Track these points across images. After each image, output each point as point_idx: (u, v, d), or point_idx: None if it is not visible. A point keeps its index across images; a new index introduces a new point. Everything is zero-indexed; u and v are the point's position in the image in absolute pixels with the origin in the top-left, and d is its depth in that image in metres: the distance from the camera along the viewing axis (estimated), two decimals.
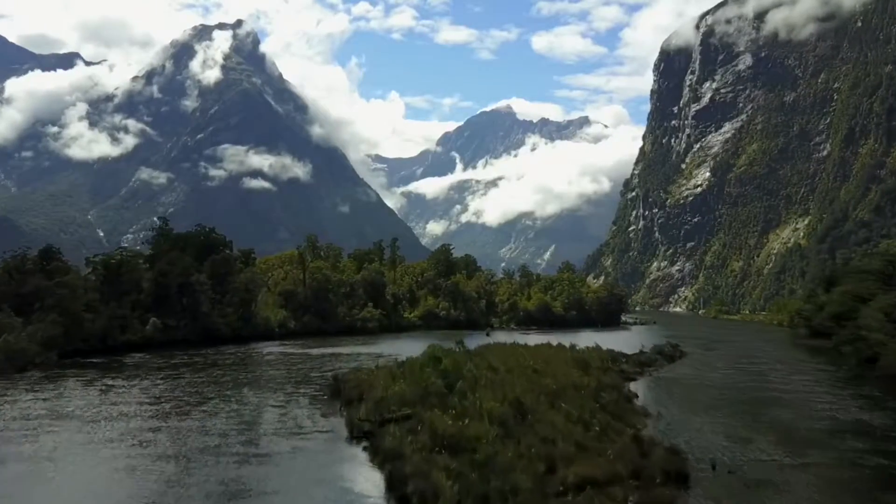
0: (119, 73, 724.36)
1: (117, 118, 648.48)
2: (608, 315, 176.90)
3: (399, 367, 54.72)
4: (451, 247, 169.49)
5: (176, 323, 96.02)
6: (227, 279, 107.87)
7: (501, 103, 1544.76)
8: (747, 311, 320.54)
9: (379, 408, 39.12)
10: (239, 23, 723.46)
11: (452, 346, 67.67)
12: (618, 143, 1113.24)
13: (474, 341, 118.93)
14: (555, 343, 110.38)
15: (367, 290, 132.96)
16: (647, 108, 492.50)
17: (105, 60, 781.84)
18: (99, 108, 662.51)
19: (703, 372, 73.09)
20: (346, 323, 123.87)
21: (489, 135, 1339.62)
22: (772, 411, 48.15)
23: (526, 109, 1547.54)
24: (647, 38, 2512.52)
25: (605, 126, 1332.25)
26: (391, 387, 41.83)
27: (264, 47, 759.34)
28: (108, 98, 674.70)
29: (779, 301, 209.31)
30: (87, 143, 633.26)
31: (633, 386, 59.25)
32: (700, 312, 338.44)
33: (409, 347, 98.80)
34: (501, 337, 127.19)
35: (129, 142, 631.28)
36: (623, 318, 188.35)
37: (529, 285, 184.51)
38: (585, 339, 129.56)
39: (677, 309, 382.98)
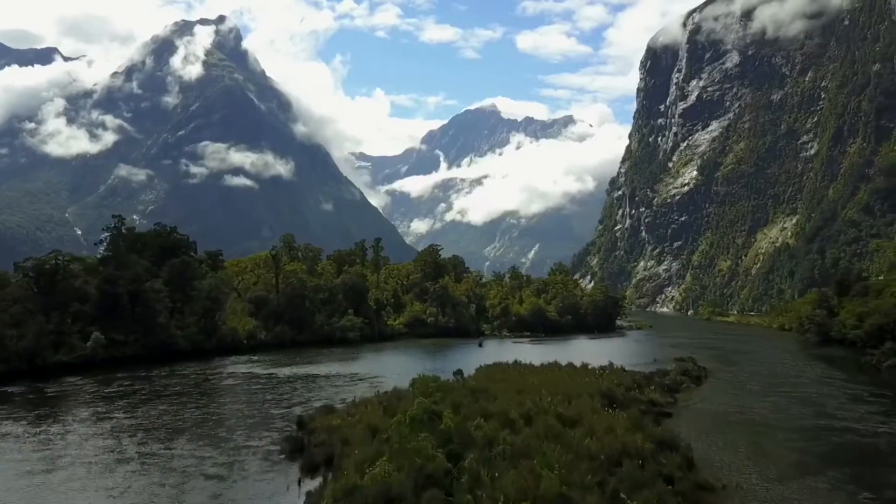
0: (98, 68, 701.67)
1: (96, 114, 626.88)
2: (604, 319, 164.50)
3: (383, 410, 41.46)
4: (439, 247, 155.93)
5: (125, 338, 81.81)
6: (187, 286, 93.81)
7: (486, 102, 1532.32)
8: (735, 312, 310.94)
9: (352, 501, 25.80)
10: (221, 18, 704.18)
11: (448, 373, 54.66)
12: (602, 143, 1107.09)
13: (467, 355, 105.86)
14: (556, 355, 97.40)
15: (347, 296, 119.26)
16: (632, 107, 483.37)
17: (84, 56, 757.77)
18: (77, 105, 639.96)
19: (744, 400, 60.41)
20: (324, 332, 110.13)
21: (474, 133, 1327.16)
22: (884, 475, 35.42)
23: (510, 108, 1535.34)
24: (631, 38, 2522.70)
25: (590, 125, 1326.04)
26: (372, 465, 28.40)
27: (247, 44, 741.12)
28: (87, 94, 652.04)
29: (779, 303, 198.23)
30: (65, 140, 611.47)
31: (672, 424, 46.62)
32: (689, 313, 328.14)
33: (393, 365, 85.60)
34: (494, 347, 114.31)
35: (108, 138, 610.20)
36: (618, 322, 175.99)
37: (521, 288, 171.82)
38: (586, 349, 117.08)
39: (664, 309, 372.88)
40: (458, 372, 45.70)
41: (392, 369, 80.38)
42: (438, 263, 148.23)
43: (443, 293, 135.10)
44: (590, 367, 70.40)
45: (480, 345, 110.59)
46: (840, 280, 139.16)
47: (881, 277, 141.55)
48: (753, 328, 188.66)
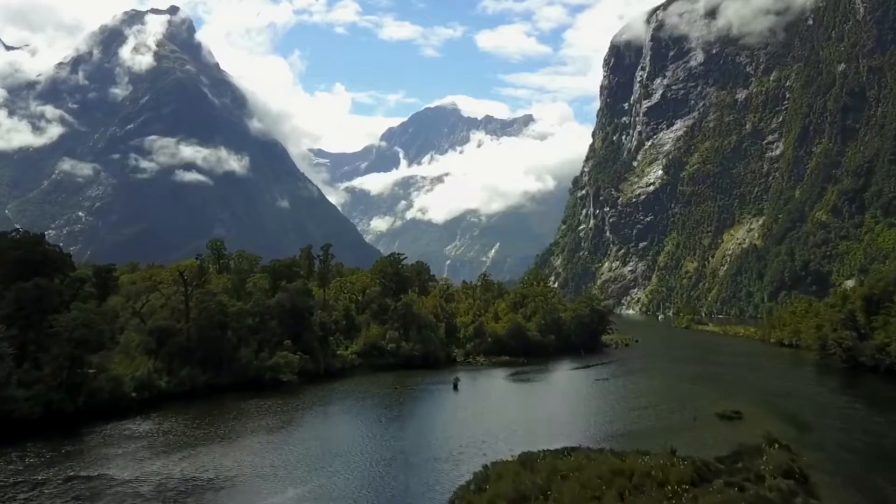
0: (42, 58, 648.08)
1: (40, 106, 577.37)
2: (589, 337, 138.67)
3: None
4: (402, 256, 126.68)
5: None
6: (44, 321, 63.67)
7: (446, 100, 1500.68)
8: (704, 314, 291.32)
9: None
10: (174, 9, 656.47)
11: (421, 460, 26.83)
12: (563, 142, 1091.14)
13: (441, 408, 77.20)
14: (553, 402, 70.79)
15: (284, 321, 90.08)
16: (591, 108, 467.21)
17: (27, 45, 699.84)
18: (20, 96, 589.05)
19: None
20: (251, 372, 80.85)
21: (434, 131, 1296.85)
22: None
23: (471, 107, 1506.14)
24: (590, 39, 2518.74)
25: (551, 124, 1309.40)
26: None
27: (201, 36, 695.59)
28: (30, 85, 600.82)
29: (780, 313, 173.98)
30: (6, 133, 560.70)
31: None
32: (659, 317, 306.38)
33: (337, 437, 57.12)
34: (472, 388, 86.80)
35: (53, 131, 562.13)
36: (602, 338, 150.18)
37: (495, 300, 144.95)
38: (587, 391, 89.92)
39: (630, 311, 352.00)
40: None
41: (335, 448, 52.19)
42: (400, 275, 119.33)
43: (406, 312, 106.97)
44: (642, 461, 43.57)
45: (455, 387, 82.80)
46: (867, 296, 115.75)
47: None
48: (746, 342, 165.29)
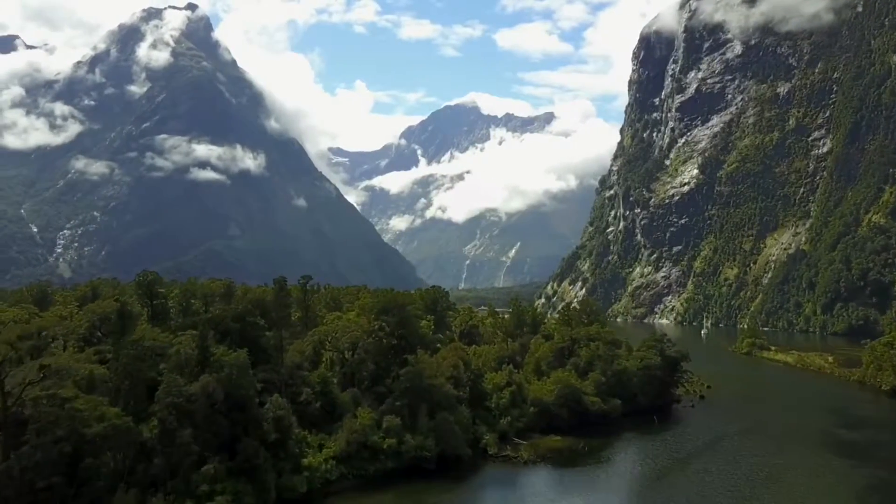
0: (61, 57, 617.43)
1: (57, 105, 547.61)
2: (658, 392, 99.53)
3: None
4: (410, 305, 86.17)
5: None
6: None
7: (466, 98, 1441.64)
8: (748, 327, 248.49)
9: None
10: (192, 6, 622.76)
11: None
12: (585, 139, 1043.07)
13: None
14: None
15: (210, 423, 52.30)
16: (612, 106, 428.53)
17: (46, 44, 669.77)
18: (37, 94, 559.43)
19: None
20: None
21: (453, 129, 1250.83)
22: None
23: (491, 105, 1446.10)
24: (612, 37, 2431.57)
25: (573, 122, 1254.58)
26: None
27: (219, 34, 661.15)
28: (48, 84, 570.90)
29: (878, 349, 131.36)
30: (23, 132, 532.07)
31: None
32: (703, 333, 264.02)
33: None
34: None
35: (70, 130, 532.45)
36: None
37: (531, 337, 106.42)
38: None
39: (663, 321, 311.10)
40: None
41: None
42: (408, 324, 79.25)
43: (413, 383, 68.54)
44: None
45: None
46: None
47: None
48: (847, 388, 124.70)
